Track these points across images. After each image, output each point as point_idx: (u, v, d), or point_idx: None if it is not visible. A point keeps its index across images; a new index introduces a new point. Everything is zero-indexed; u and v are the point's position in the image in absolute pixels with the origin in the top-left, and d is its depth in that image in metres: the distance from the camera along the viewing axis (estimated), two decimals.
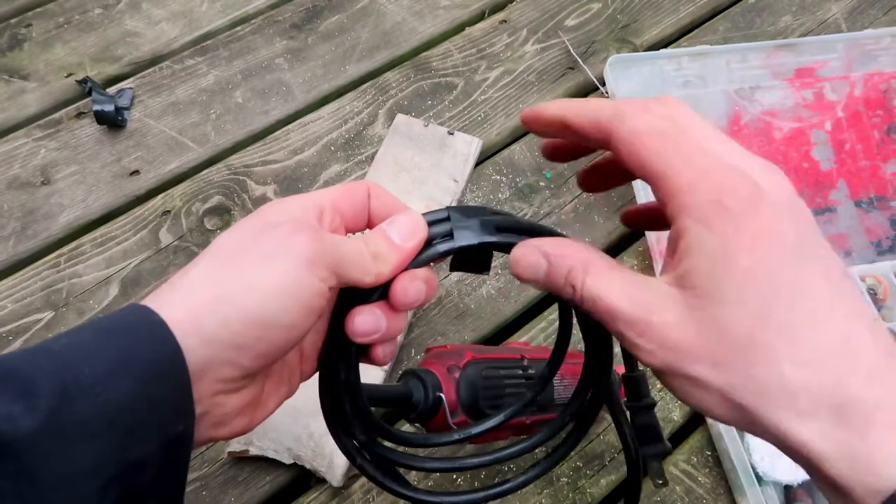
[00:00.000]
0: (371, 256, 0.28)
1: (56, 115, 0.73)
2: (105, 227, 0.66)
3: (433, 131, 0.71)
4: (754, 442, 0.53)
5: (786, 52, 0.71)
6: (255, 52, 0.78)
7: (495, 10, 0.84)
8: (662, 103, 0.28)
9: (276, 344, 0.26)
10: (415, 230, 0.30)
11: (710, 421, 0.58)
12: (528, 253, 0.29)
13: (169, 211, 0.67)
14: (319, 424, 0.55)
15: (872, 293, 0.62)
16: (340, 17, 0.81)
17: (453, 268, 0.33)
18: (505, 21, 0.82)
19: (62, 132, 0.72)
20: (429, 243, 0.30)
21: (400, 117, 0.72)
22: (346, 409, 0.32)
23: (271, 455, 0.54)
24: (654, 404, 0.38)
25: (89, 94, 0.72)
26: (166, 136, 0.72)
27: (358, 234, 0.30)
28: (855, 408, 0.22)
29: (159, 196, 0.68)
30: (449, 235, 0.30)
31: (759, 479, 0.52)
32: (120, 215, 0.67)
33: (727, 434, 0.54)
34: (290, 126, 0.73)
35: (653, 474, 0.38)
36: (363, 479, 0.55)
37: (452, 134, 0.71)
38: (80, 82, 0.74)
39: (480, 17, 0.84)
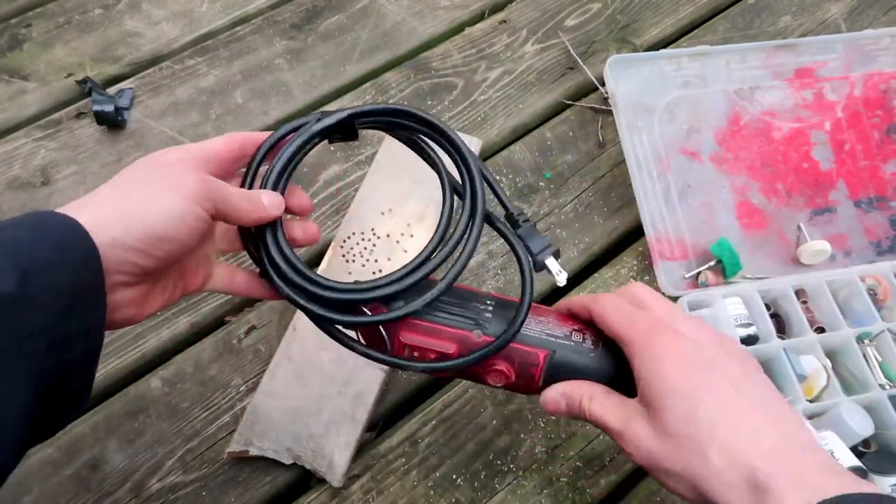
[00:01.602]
0: (247, 200, 0.38)
1: (56, 116, 0.73)
2: None
3: None
4: None
5: (785, 53, 0.71)
6: (255, 52, 0.78)
7: (495, 10, 0.84)
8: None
9: (167, 252, 0.34)
10: (277, 200, 0.39)
11: None
12: (553, 397, 0.42)
13: None
14: (319, 425, 0.55)
15: (872, 293, 0.62)
16: (340, 18, 0.81)
17: (332, 141, 0.43)
18: (505, 21, 0.83)
19: (62, 132, 0.72)
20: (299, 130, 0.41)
21: None
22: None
23: (271, 455, 0.54)
24: (528, 221, 0.44)
25: (89, 94, 0.72)
26: (166, 136, 0.72)
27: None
28: (760, 479, 0.32)
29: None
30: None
31: None
32: None
33: None
34: None
35: (552, 268, 0.43)
36: (363, 480, 0.55)
37: None
38: (80, 82, 0.74)
39: (480, 17, 0.84)
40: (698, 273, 0.64)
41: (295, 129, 0.41)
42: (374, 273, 0.62)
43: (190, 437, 0.56)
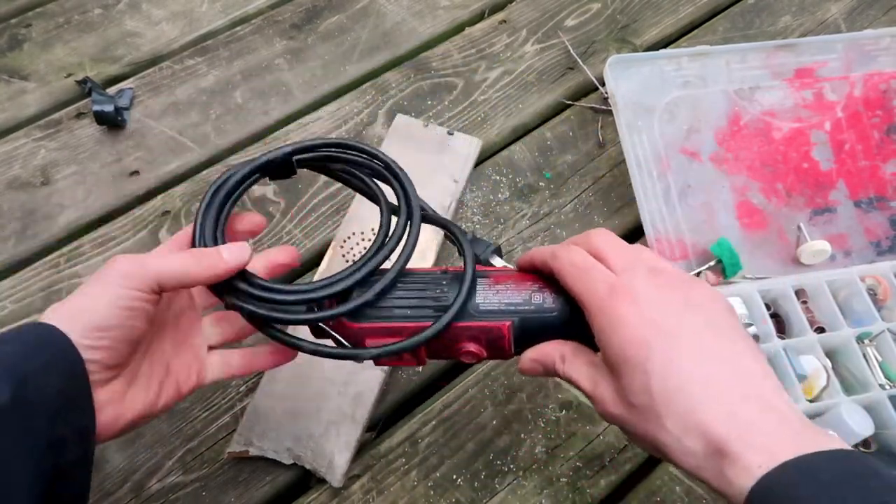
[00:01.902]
0: (195, 261, 0.39)
1: (56, 116, 0.73)
2: (105, 228, 0.66)
3: (433, 132, 0.71)
4: None
5: (785, 53, 0.71)
6: (255, 52, 0.78)
7: (495, 10, 0.84)
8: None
9: (113, 340, 0.36)
10: (240, 247, 0.40)
11: None
12: (528, 365, 0.41)
13: (169, 211, 0.67)
14: (319, 425, 0.55)
15: (872, 293, 0.62)
16: (340, 18, 0.81)
17: (272, 178, 0.46)
18: (505, 21, 0.83)
19: (62, 132, 0.72)
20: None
21: (399, 118, 0.72)
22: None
23: (271, 455, 0.54)
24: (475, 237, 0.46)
25: (89, 94, 0.72)
26: (166, 136, 0.72)
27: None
28: (719, 444, 0.32)
29: (159, 196, 0.68)
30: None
31: None
32: (120, 216, 0.67)
33: None
34: (289, 126, 0.73)
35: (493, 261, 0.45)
36: (363, 480, 0.55)
37: (452, 134, 0.71)
38: (79, 82, 0.74)
39: (480, 17, 0.84)
40: (698, 273, 0.64)
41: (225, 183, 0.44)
42: None
43: (190, 437, 0.56)
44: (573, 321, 0.40)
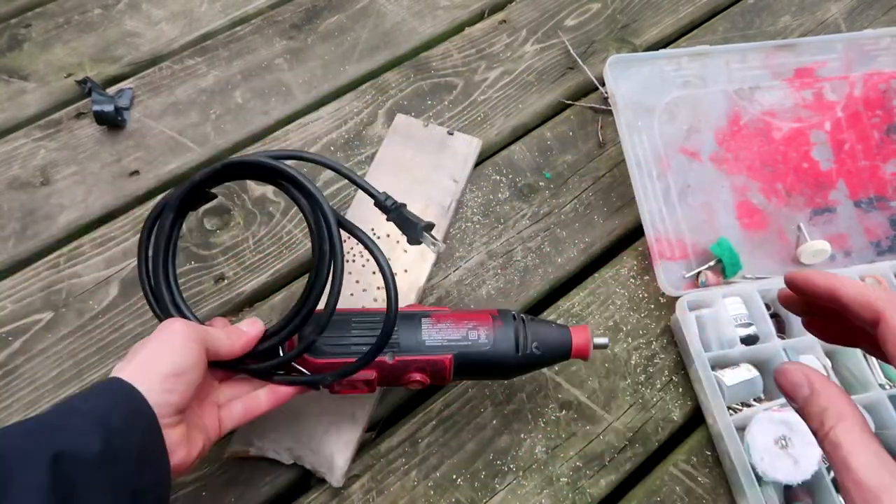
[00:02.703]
0: (225, 336, 0.46)
1: (56, 116, 0.73)
2: (105, 228, 0.66)
3: (433, 131, 0.71)
4: (754, 442, 0.53)
5: (785, 53, 0.71)
6: (255, 52, 0.78)
7: (495, 10, 0.84)
8: None
9: (186, 385, 0.41)
10: (253, 323, 0.48)
11: (709, 421, 0.58)
12: (797, 372, 0.32)
13: None
14: (319, 424, 0.55)
15: None
16: (340, 17, 0.81)
17: (194, 208, 0.51)
18: (504, 21, 0.83)
19: (62, 132, 0.72)
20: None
21: (399, 117, 0.72)
22: None
23: (271, 455, 0.54)
24: (399, 206, 0.49)
25: (89, 94, 0.72)
26: (166, 136, 0.72)
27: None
28: None
29: (159, 196, 0.68)
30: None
31: (758, 479, 0.53)
32: (120, 215, 0.67)
33: (727, 434, 0.55)
34: (289, 126, 0.73)
35: (426, 241, 0.49)
36: (363, 480, 0.55)
37: (452, 134, 0.71)
38: (79, 82, 0.74)
39: (480, 17, 0.84)
40: (698, 273, 0.64)
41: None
42: (374, 273, 0.62)
43: None
44: (502, 356, 0.50)
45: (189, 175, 0.70)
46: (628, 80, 0.68)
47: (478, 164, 0.71)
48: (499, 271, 0.66)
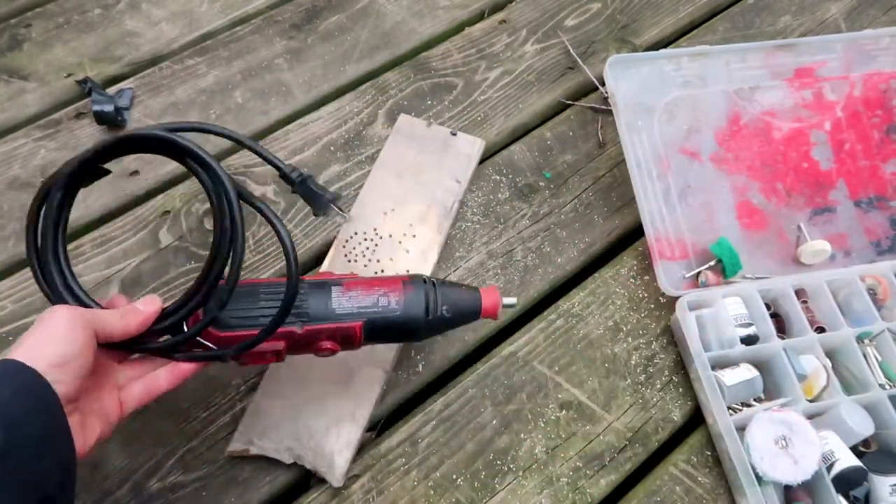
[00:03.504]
0: (119, 316, 0.45)
1: (56, 116, 0.73)
2: (105, 228, 0.66)
3: (436, 132, 0.71)
4: (754, 442, 0.53)
5: (785, 53, 0.71)
6: (255, 52, 0.78)
7: (495, 10, 0.84)
8: None
9: (76, 371, 0.40)
10: (149, 301, 0.46)
11: (709, 421, 0.58)
12: None
13: (168, 211, 0.67)
14: (319, 424, 0.55)
15: (872, 293, 0.62)
16: (340, 17, 0.81)
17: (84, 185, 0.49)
18: (504, 21, 0.83)
19: (62, 132, 0.72)
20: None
21: (403, 118, 0.72)
22: None
23: (271, 455, 0.54)
24: (305, 177, 0.50)
25: (89, 94, 0.72)
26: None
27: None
28: None
29: (159, 196, 0.68)
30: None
31: (758, 479, 0.53)
32: (120, 215, 0.67)
33: (727, 434, 0.55)
34: (289, 126, 0.73)
35: (331, 213, 0.51)
36: (363, 480, 0.55)
37: (455, 134, 0.71)
38: (79, 82, 0.74)
39: (480, 17, 0.84)
40: (698, 273, 0.64)
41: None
42: (375, 273, 0.62)
43: (190, 437, 0.56)
44: (412, 320, 0.50)
45: (189, 175, 0.70)
46: (628, 79, 0.68)
47: (478, 163, 0.71)
48: (499, 271, 0.66)
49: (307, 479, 0.56)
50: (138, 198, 0.68)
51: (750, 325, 0.59)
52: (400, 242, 0.64)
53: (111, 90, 0.74)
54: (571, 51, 0.80)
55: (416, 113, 0.74)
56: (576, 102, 0.77)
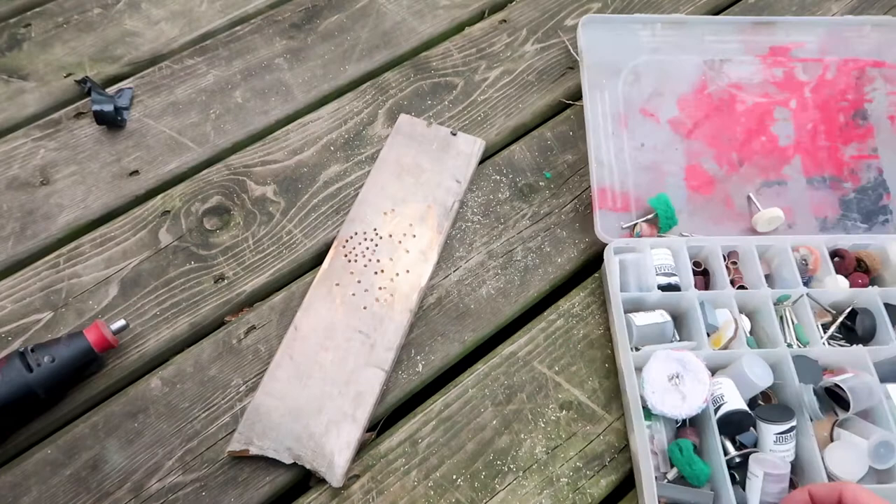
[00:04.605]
0: None
1: (55, 115, 0.72)
2: (104, 228, 0.66)
3: (436, 132, 0.71)
4: (649, 376, 0.54)
5: (763, 30, 0.71)
6: (255, 52, 0.78)
7: (495, 9, 0.84)
8: None
9: None
10: None
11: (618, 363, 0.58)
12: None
13: (168, 211, 0.67)
14: (320, 424, 0.55)
15: (804, 263, 0.63)
16: (340, 17, 0.81)
17: None
18: (505, 21, 0.82)
19: (61, 132, 0.72)
20: None
21: (403, 117, 0.72)
22: None
23: (271, 455, 0.54)
24: None
25: (88, 94, 0.72)
26: (166, 136, 0.72)
27: None
28: None
29: (159, 196, 0.68)
30: None
31: (650, 415, 0.54)
32: (119, 215, 0.67)
33: (626, 369, 0.56)
34: (289, 126, 0.73)
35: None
36: (363, 480, 0.55)
37: (455, 134, 0.71)
38: (79, 82, 0.74)
39: (480, 16, 0.84)
40: (634, 225, 0.65)
41: None
42: (375, 273, 0.62)
43: (190, 437, 0.56)
44: (16, 382, 0.53)
45: (189, 174, 0.70)
46: (600, 39, 0.69)
47: (478, 163, 0.71)
48: (499, 271, 0.66)
49: (307, 479, 0.56)
50: (138, 198, 0.68)
51: (673, 275, 0.61)
52: (400, 242, 0.64)
53: (111, 90, 0.74)
54: (571, 50, 0.80)
55: (417, 112, 0.74)
56: (576, 102, 0.77)
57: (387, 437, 0.57)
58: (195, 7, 0.81)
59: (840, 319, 0.60)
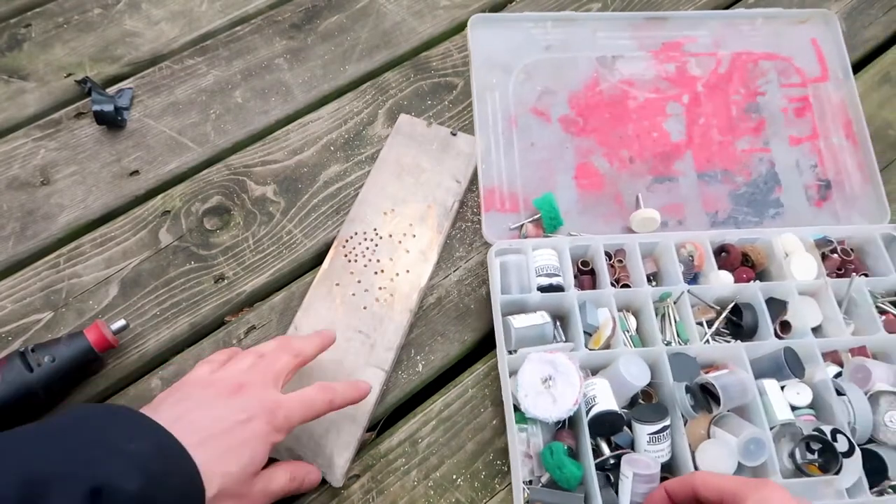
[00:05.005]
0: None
1: (55, 116, 0.73)
2: (105, 228, 0.66)
3: (436, 132, 0.71)
4: (523, 379, 0.54)
5: (655, 25, 0.70)
6: (255, 52, 0.78)
7: (495, 9, 0.84)
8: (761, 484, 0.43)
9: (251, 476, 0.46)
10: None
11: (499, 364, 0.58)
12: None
13: (168, 211, 0.67)
14: (319, 425, 0.55)
15: (690, 259, 0.62)
16: (340, 17, 0.81)
17: None
18: None
19: (62, 132, 0.72)
20: None
21: (403, 117, 0.72)
22: None
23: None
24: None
25: (89, 94, 0.72)
26: (166, 136, 0.72)
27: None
28: None
29: (159, 196, 0.68)
30: None
31: (524, 418, 0.54)
32: (119, 215, 0.67)
33: (502, 373, 0.56)
34: (289, 126, 0.73)
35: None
36: (363, 480, 0.55)
37: (455, 134, 0.71)
38: (79, 82, 0.74)
39: None
40: (521, 226, 0.65)
41: None
42: (375, 273, 0.62)
43: None
44: (17, 382, 0.53)
45: (189, 174, 0.70)
46: (490, 39, 0.69)
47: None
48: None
49: None
50: (138, 198, 0.68)
51: (556, 276, 0.60)
52: (400, 242, 0.64)
53: (111, 90, 0.74)
54: None
55: (417, 112, 0.74)
56: None
57: (387, 436, 0.57)
58: (195, 7, 0.81)
59: (723, 315, 0.60)
